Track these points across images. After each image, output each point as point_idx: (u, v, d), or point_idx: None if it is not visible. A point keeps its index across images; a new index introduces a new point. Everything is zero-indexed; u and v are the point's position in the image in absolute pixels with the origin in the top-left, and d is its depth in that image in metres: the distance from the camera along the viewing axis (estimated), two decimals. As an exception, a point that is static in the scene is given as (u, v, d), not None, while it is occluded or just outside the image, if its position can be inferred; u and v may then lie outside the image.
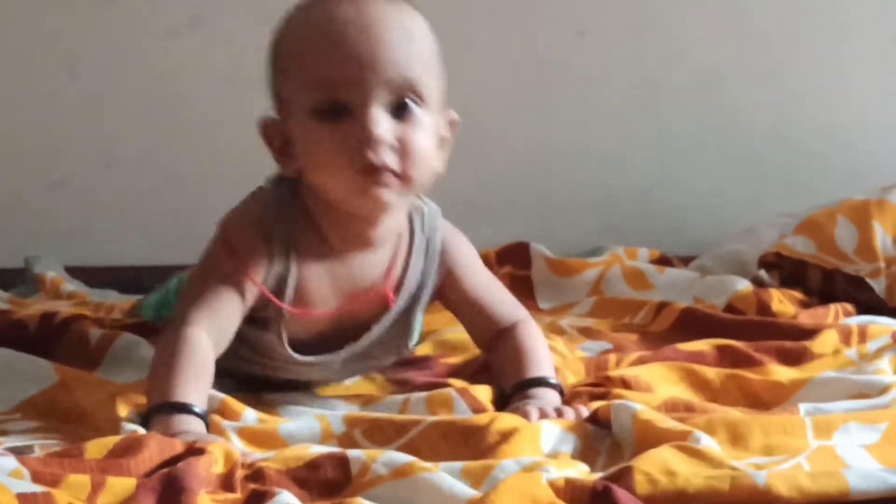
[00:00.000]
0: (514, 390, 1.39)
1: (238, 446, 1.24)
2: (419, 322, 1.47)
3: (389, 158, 1.27)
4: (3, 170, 2.42)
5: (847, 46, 2.55)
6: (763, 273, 2.05)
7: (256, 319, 1.38)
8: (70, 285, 2.09)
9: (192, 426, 1.24)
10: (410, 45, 1.30)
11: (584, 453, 1.24)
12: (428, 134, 1.31)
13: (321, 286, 1.37)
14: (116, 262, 2.33)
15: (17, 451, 1.15)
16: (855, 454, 1.21)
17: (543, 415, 1.30)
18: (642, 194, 2.54)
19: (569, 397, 1.40)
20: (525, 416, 1.29)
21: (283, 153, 1.35)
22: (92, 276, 2.22)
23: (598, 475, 1.14)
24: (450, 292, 1.46)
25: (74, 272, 2.21)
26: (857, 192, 2.09)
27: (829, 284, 1.98)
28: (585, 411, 1.31)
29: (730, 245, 2.20)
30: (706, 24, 2.53)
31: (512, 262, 2.11)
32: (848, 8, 2.55)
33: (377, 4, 1.31)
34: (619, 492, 1.06)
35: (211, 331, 1.32)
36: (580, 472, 1.17)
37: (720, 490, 1.09)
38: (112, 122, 2.42)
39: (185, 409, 1.25)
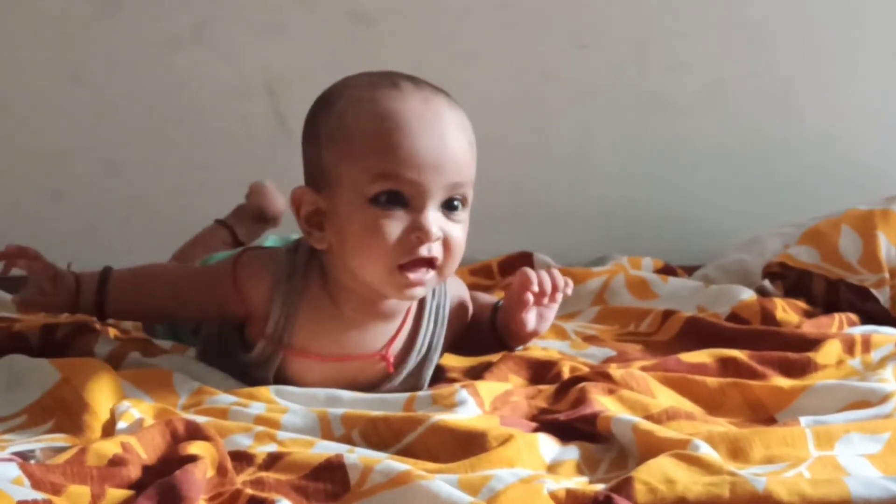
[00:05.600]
0: (493, 312, 1.53)
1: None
2: (428, 376, 1.49)
3: (437, 251, 1.34)
4: (7, 178, 2.42)
5: (851, 59, 2.56)
6: (767, 283, 2.04)
7: (256, 370, 1.44)
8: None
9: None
10: (470, 148, 1.36)
11: (585, 462, 1.24)
12: (465, 230, 1.37)
13: (324, 345, 1.42)
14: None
15: (21, 455, 1.16)
16: (857, 464, 1.20)
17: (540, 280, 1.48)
18: (646, 204, 2.54)
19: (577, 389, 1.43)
20: (525, 274, 1.48)
21: (311, 224, 1.38)
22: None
23: (599, 486, 1.14)
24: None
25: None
26: (861, 203, 2.08)
27: (833, 295, 1.98)
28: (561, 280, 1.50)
29: (734, 255, 2.20)
30: (709, 37, 2.53)
31: (515, 271, 2.10)
32: (852, 22, 2.55)
33: (441, 104, 1.35)
34: (621, 501, 1.07)
35: None
36: (577, 483, 1.16)
37: (720, 496, 1.09)
38: (115, 132, 2.43)
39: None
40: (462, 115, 1.37)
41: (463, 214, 1.36)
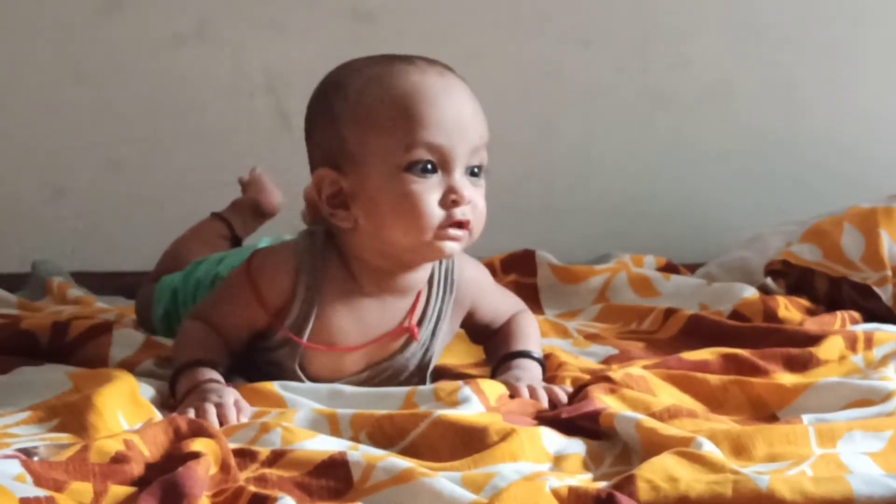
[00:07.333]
0: (498, 363, 1.52)
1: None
2: (438, 351, 1.51)
3: (469, 214, 1.40)
4: (9, 176, 2.42)
5: (854, 57, 2.55)
6: (769, 281, 2.04)
7: (276, 353, 1.46)
8: (77, 290, 2.08)
9: (213, 375, 1.39)
10: (482, 115, 1.43)
11: (590, 457, 1.24)
12: (484, 196, 1.43)
13: (345, 327, 1.45)
14: (120, 268, 2.34)
15: (23, 452, 1.15)
16: (859, 462, 1.20)
17: (532, 389, 1.41)
18: (648, 202, 2.53)
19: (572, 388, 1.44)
20: (513, 389, 1.41)
21: (334, 204, 1.41)
22: (96, 281, 2.22)
23: (601, 484, 1.14)
24: (472, 322, 1.56)
25: (79, 278, 2.21)
26: (863, 200, 2.08)
27: (835, 292, 1.98)
28: (564, 394, 1.41)
29: (736, 253, 2.19)
30: (712, 34, 2.53)
31: (518, 269, 2.10)
32: (855, 20, 2.55)
33: (453, 76, 1.43)
34: (623, 499, 1.06)
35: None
36: (580, 480, 1.16)
37: (722, 495, 1.08)
38: (117, 129, 2.43)
39: (203, 363, 1.41)
40: (469, 88, 1.43)
41: (482, 181, 1.42)
